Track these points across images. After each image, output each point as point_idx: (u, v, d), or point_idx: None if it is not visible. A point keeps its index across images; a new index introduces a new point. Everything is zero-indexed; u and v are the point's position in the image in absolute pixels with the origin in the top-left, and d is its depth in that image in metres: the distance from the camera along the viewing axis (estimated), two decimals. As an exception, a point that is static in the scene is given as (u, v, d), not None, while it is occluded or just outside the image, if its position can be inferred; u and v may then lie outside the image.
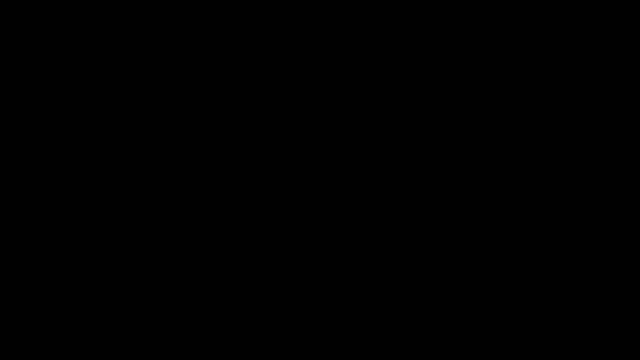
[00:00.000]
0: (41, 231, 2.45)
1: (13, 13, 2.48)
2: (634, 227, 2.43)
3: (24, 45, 2.49)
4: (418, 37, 2.49)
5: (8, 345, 2.41)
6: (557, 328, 2.42)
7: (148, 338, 2.43)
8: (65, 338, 2.43)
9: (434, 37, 2.49)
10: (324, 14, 2.50)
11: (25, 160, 2.46)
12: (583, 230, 2.44)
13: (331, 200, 2.47)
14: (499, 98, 2.48)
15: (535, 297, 2.43)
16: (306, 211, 2.47)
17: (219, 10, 2.50)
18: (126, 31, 2.49)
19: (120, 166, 2.47)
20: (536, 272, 2.44)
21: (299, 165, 2.48)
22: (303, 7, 2.49)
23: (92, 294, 2.44)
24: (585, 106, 2.47)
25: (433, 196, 2.47)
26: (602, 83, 2.47)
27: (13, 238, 2.45)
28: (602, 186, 2.45)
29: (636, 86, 2.46)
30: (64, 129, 2.48)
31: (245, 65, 2.50)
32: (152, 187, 2.47)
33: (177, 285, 2.45)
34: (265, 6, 2.50)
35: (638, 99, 2.46)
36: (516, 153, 2.46)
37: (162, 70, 2.49)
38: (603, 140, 2.46)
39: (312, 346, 2.44)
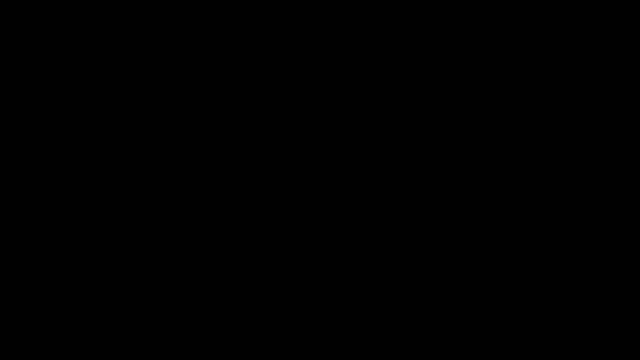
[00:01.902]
0: (41, 231, 2.45)
1: (13, 13, 2.49)
2: (634, 227, 2.44)
3: (24, 45, 2.49)
4: (418, 38, 2.50)
5: (8, 345, 2.42)
6: (557, 328, 2.42)
7: (148, 338, 2.43)
8: (65, 338, 2.43)
9: (434, 37, 2.49)
10: (324, 14, 2.50)
11: (25, 160, 2.47)
12: (583, 230, 2.45)
13: (331, 200, 2.47)
14: (499, 98, 2.48)
15: (535, 297, 2.43)
16: (306, 211, 2.47)
17: (219, 10, 2.50)
18: (126, 31, 2.50)
19: (120, 166, 2.47)
20: (537, 272, 2.44)
21: (299, 165, 2.48)
22: (303, 7, 2.49)
23: (92, 294, 2.44)
24: (585, 107, 2.47)
25: (433, 195, 2.47)
26: (602, 83, 2.48)
27: (13, 238, 2.45)
28: (602, 186, 2.46)
29: (636, 86, 2.47)
30: (64, 129, 2.48)
31: (245, 65, 2.50)
32: (152, 187, 2.47)
33: (177, 285, 2.45)
34: (265, 6, 2.50)
35: (638, 99, 2.47)
36: (516, 153, 2.47)
37: (162, 70, 2.50)
38: (603, 140, 2.47)
39: (312, 346, 2.44)
